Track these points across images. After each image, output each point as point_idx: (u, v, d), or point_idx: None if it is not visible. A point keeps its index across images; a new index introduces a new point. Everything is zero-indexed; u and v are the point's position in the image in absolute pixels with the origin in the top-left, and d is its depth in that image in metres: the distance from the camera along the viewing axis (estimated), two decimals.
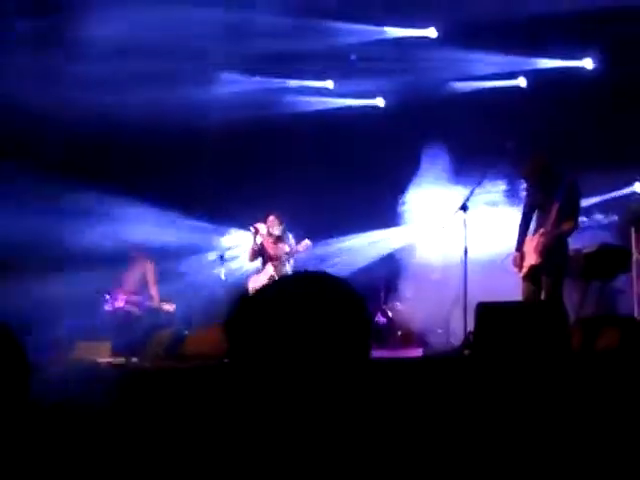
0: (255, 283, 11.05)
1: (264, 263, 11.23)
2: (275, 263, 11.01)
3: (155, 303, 11.89)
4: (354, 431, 1.70)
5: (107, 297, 11.95)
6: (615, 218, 11.04)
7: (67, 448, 2.15)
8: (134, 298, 11.94)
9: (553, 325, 6.92)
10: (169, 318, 11.66)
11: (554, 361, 6.24)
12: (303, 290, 1.70)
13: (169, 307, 11.85)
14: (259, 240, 11.20)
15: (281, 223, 11.16)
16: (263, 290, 1.76)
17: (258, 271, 11.28)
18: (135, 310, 11.86)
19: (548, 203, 8.54)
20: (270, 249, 11.08)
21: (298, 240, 11.16)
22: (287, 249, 11.08)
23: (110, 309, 11.90)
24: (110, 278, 12.11)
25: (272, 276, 10.83)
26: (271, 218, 11.16)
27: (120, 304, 11.92)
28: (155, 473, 2.53)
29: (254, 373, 1.63)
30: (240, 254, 12.18)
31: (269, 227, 11.18)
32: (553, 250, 8.46)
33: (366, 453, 1.73)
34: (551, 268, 8.47)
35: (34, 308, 10.62)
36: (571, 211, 8.52)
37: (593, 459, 4.13)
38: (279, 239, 11.16)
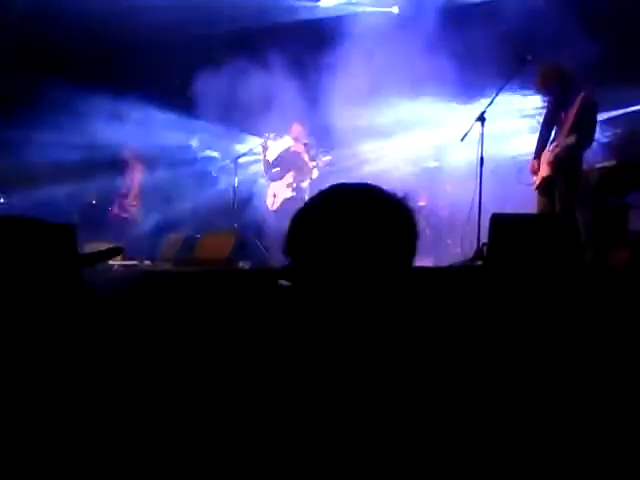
0: (274, 190, 11.12)
1: (284, 171, 11.17)
2: (295, 173, 10.93)
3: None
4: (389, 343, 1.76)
5: (110, 209, 12.18)
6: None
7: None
8: (125, 202, 12.07)
9: (566, 239, 6.95)
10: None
11: (566, 275, 6.30)
12: (352, 201, 1.78)
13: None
14: (270, 156, 11.21)
15: (306, 131, 11.17)
16: (312, 205, 1.79)
17: (280, 177, 11.20)
18: (127, 215, 12.00)
19: (564, 116, 8.46)
20: (294, 157, 11.03)
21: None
22: (308, 160, 11.01)
23: (112, 216, 12.11)
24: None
25: (290, 184, 10.80)
26: (296, 126, 11.19)
27: (115, 211, 12.04)
28: (163, 373, 2.61)
29: (313, 285, 1.70)
30: (253, 160, 12.14)
31: (295, 136, 11.19)
32: (565, 163, 8.38)
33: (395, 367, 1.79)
34: (563, 181, 8.40)
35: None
36: (585, 125, 8.41)
37: (599, 375, 4.20)
38: (305, 148, 11.12)
